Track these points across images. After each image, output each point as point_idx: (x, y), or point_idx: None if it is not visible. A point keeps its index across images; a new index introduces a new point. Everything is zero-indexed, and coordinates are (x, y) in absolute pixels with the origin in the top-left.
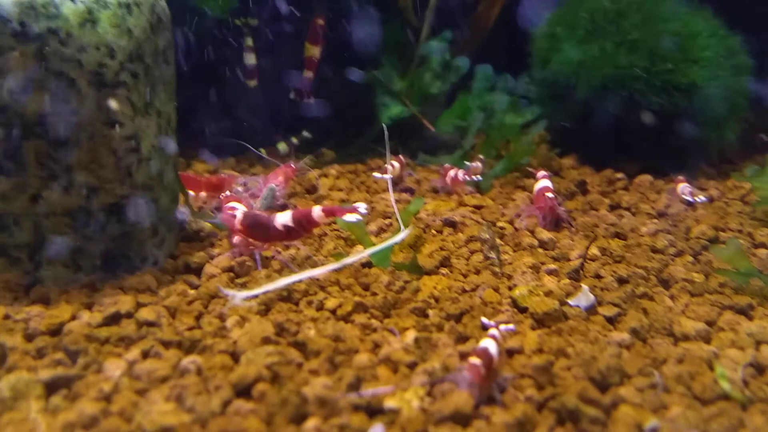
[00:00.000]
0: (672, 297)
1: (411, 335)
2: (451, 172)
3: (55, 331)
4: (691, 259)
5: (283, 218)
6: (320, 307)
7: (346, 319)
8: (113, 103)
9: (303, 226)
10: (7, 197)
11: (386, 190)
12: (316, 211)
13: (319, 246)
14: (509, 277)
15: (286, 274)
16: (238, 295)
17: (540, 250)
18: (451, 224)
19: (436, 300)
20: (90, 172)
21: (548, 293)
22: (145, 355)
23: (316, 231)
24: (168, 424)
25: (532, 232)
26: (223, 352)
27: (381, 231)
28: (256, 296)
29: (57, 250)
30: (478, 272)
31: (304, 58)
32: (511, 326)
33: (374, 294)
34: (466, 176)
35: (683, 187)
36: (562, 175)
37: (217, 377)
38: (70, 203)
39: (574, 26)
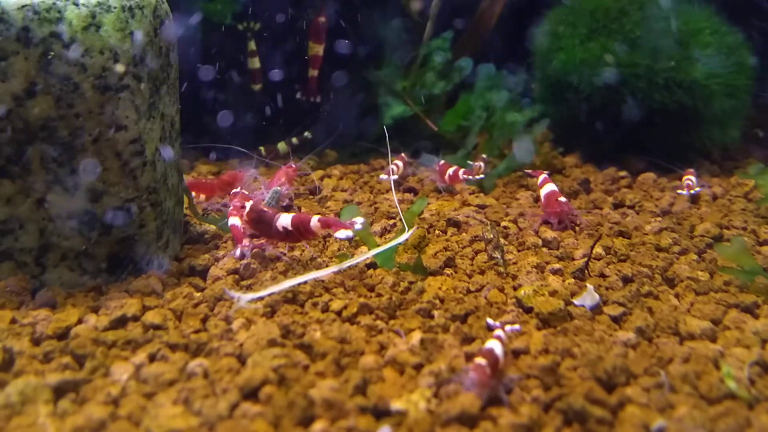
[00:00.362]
0: (677, 296)
1: (417, 336)
2: (450, 170)
3: (62, 335)
4: (695, 257)
5: (284, 220)
6: (325, 309)
7: (352, 320)
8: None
9: (300, 232)
10: (13, 201)
11: (389, 190)
12: (314, 221)
13: (324, 247)
14: (514, 277)
15: (290, 276)
16: (243, 298)
17: (544, 250)
18: (455, 224)
19: (441, 301)
20: (95, 176)
21: (553, 293)
22: (152, 358)
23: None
24: (176, 428)
25: (536, 232)
26: (230, 354)
27: (385, 231)
28: (261, 298)
29: (62, 253)
30: (482, 272)
31: (308, 57)
32: (516, 327)
33: (379, 295)
34: (466, 175)
35: (686, 180)
36: (565, 174)
37: (223, 380)
38: (75, 207)
39: (575, 24)
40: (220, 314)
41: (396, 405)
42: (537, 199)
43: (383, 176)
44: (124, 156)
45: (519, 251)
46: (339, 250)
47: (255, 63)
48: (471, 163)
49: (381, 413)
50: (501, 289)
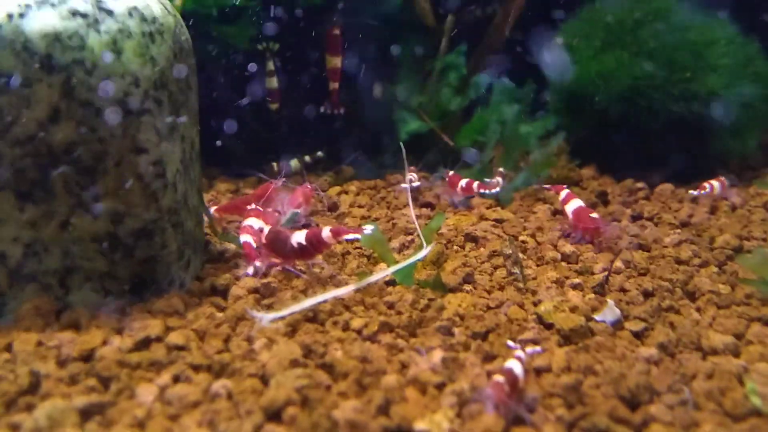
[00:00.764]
0: (698, 309)
1: (438, 355)
2: (462, 182)
3: (87, 357)
4: (716, 269)
5: (298, 237)
6: (346, 327)
7: (373, 339)
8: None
9: (314, 246)
10: (37, 225)
11: (407, 205)
12: (325, 231)
13: (343, 265)
14: (534, 293)
15: (310, 295)
16: (265, 317)
17: (563, 264)
18: (473, 239)
19: (462, 318)
20: (117, 198)
21: (573, 309)
22: (176, 379)
23: (338, 249)
24: None
25: (555, 246)
26: (253, 375)
27: (403, 248)
28: (283, 317)
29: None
30: (502, 288)
31: (327, 70)
32: (537, 348)
33: (399, 313)
34: (482, 189)
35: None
36: (582, 186)
37: (247, 401)
38: (98, 229)
39: (590, 37)
40: (243, 334)
41: (419, 425)
42: (555, 213)
43: (403, 185)
44: (146, 178)
45: (538, 266)
46: (358, 267)
47: (273, 83)
48: (488, 180)
49: None
50: (521, 305)
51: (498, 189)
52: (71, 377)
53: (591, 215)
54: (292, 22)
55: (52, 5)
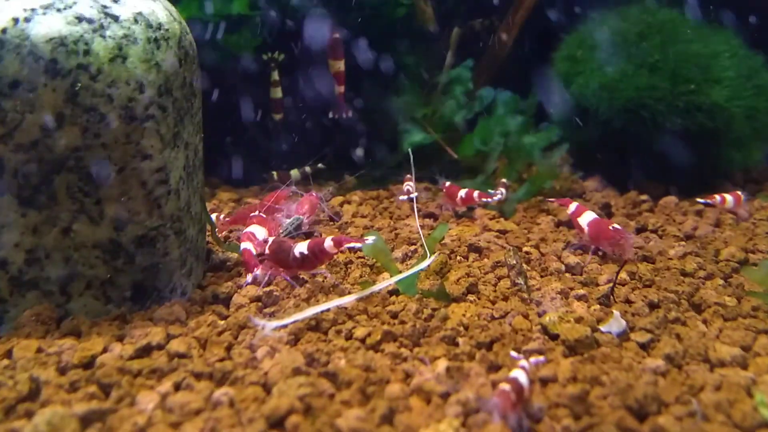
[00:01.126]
0: (705, 322)
1: (442, 364)
2: (462, 192)
3: (88, 364)
4: (721, 282)
5: (301, 247)
6: (349, 336)
7: (376, 348)
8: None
9: (316, 256)
10: (39, 231)
11: (409, 216)
12: (328, 242)
13: (346, 274)
14: (538, 304)
15: (313, 303)
16: (268, 325)
17: (567, 275)
18: (476, 250)
19: (466, 328)
20: (120, 205)
21: (579, 319)
22: (177, 387)
23: (341, 259)
24: None
25: (559, 257)
26: (255, 383)
27: (406, 257)
28: (285, 326)
29: (87, 282)
30: (506, 299)
31: (331, 76)
32: (541, 358)
33: (403, 322)
34: (483, 198)
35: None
36: (585, 198)
37: (249, 409)
38: (100, 236)
39: (594, 48)
40: (245, 342)
41: None
42: (559, 225)
43: (402, 197)
44: (149, 185)
45: (542, 277)
46: (361, 276)
47: (277, 93)
48: (492, 191)
49: None
50: (525, 316)
51: (499, 197)
52: (71, 384)
53: (612, 227)
54: (295, 30)
55: (58, 10)
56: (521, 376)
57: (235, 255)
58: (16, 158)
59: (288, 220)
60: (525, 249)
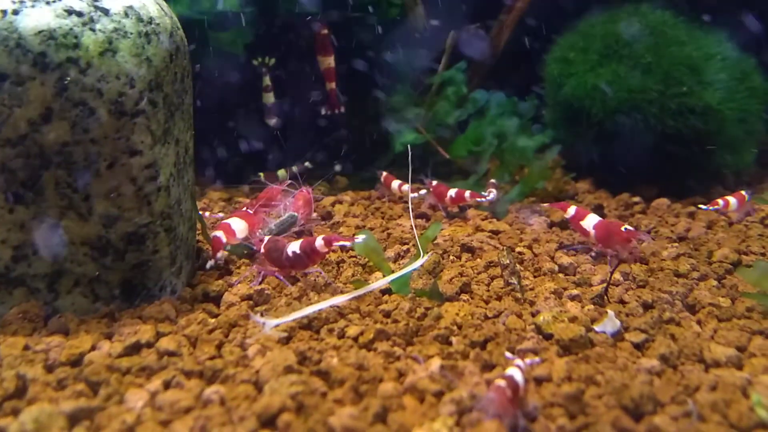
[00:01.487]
0: (699, 322)
1: (436, 363)
2: (452, 192)
3: (76, 362)
4: (715, 283)
5: (293, 246)
6: (342, 335)
7: (369, 347)
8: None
9: (308, 255)
10: (26, 227)
11: (401, 216)
12: (318, 240)
13: (338, 273)
14: (532, 303)
15: (305, 302)
16: (268, 323)
17: (561, 276)
18: (469, 250)
19: (459, 327)
20: (109, 201)
21: (573, 319)
22: (167, 385)
23: (333, 258)
24: None
25: (552, 257)
26: (246, 381)
27: (398, 257)
28: (284, 323)
29: (75, 279)
30: (499, 298)
31: (321, 72)
32: (536, 359)
33: (396, 321)
34: (475, 198)
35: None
36: (578, 200)
37: (240, 407)
38: (89, 232)
39: (587, 50)
40: (235, 340)
41: None
42: (552, 225)
43: (405, 187)
44: (139, 181)
45: (535, 277)
46: (353, 276)
47: (269, 98)
48: (484, 194)
49: None
50: (519, 315)
51: (492, 196)
52: (59, 382)
53: (624, 228)
54: (284, 31)
55: (47, 3)
56: (516, 374)
57: (225, 253)
58: (3, 153)
59: (282, 217)
60: (518, 249)
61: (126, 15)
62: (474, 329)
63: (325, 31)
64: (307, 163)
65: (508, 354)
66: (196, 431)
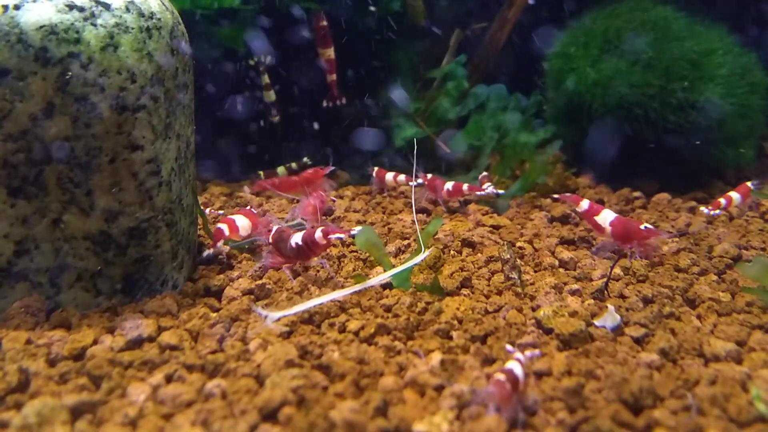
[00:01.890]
0: (699, 317)
1: (436, 357)
2: (448, 185)
3: (78, 356)
4: (715, 277)
5: (296, 238)
6: (342, 330)
7: (370, 341)
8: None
9: (309, 247)
10: (28, 221)
11: (402, 211)
12: (318, 233)
13: (339, 267)
14: (532, 298)
15: (306, 296)
16: (271, 315)
17: (561, 270)
18: (470, 244)
19: (460, 321)
20: (111, 196)
21: (573, 314)
22: (169, 379)
23: (334, 252)
24: None
25: (552, 252)
26: (248, 375)
27: (399, 252)
28: (286, 316)
29: (77, 274)
30: (500, 293)
31: (322, 63)
32: (536, 352)
33: (396, 316)
34: (473, 191)
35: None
36: (579, 195)
37: (242, 401)
38: (90, 227)
39: (587, 46)
40: (237, 335)
41: (418, 427)
42: (552, 220)
43: (400, 177)
44: (140, 176)
45: (536, 272)
46: (354, 270)
47: (270, 96)
48: (480, 192)
49: None
50: (519, 310)
51: (491, 189)
52: (61, 376)
53: (645, 226)
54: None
55: None
56: (516, 368)
57: (226, 248)
58: (5, 148)
59: (291, 224)
60: (518, 244)
61: (127, 10)
62: (474, 324)
63: (324, 23)
64: (305, 159)
65: (508, 347)
66: (198, 425)
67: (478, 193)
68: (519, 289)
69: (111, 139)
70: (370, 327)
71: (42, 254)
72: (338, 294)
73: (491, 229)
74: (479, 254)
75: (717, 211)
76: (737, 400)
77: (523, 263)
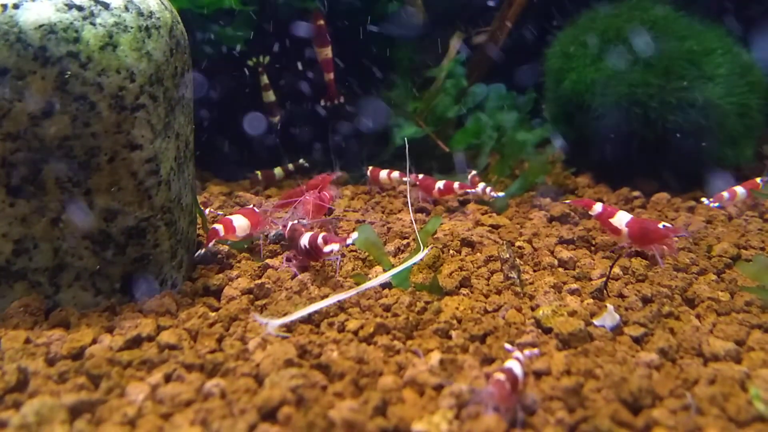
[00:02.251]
0: (698, 316)
1: (435, 357)
2: (440, 184)
3: (77, 355)
4: (714, 277)
5: (305, 239)
6: (342, 329)
7: (369, 340)
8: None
9: (314, 249)
10: (27, 221)
11: (401, 210)
12: (319, 239)
13: (338, 267)
14: (531, 297)
15: (305, 295)
16: (271, 323)
17: (560, 270)
18: (469, 244)
19: (459, 321)
20: (110, 195)
21: (572, 313)
22: (168, 378)
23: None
24: None
25: (552, 252)
26: (247, 375)
27: (398, 251)
28: (287, 323)
29: (76, 273)
30: (499, 292)
31: (320, 62)
32: (535, 351)
33: (396, 315)
34: (464, 189)
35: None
36: (578, 194)
37: (241, 401)
38: (89, 226)
39: (587, 45)
40: (236, 334)
41: (417, 427)
42: (552, 220)
43: (394, 174)
44: (139, 175)
45: (535, 271)
46: (353, 270)
47: (270, 96)
48: (471, 191)
49: None
50: (519, 309)
51: (490, 191)
52: (60, 375)
53: (662, 225)
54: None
55: None
56: (516, 367)
57: (225, 247)
58: (4, 147)
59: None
60: (518, 244)
61: (126, 9)
62: (474, 323)
63: (322, 22)
64: (302, 161)
65: (507, 346)
66: (197, 424)
67: (470, 191)
68: (518, 289)
69: (110, 138)
70: (370, 326)
71: (41, 253)
72: (340, 297)
73: (490, 228)
74: (478, 254)
75: (717, 204)
76: (736, 399)
77: (522, 263)
